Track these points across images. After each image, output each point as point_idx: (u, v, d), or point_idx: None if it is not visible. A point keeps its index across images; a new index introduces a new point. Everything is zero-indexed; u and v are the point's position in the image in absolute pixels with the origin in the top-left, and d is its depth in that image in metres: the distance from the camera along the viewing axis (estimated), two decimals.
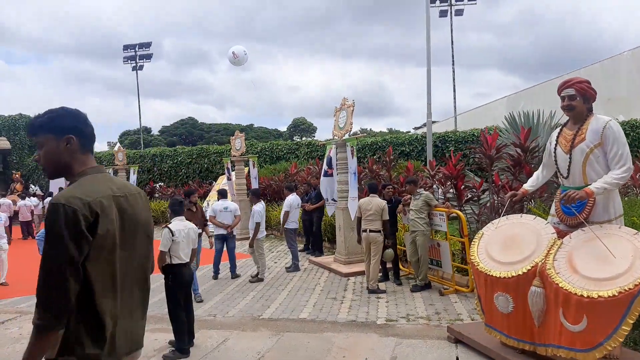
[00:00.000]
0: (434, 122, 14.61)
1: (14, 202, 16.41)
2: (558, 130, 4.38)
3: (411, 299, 6.89)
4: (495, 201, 7.79)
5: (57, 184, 21.23)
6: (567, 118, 4.28)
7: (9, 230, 10.26)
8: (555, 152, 4.29)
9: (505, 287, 4.11)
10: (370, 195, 7.59)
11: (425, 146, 15.39)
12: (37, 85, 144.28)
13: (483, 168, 9.41)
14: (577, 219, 4.04)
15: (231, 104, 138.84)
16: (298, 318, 6.21)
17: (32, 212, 16.15)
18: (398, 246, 8.19)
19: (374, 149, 16.66)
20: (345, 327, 5.74)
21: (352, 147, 8.90)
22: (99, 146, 29.96)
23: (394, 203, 7.90)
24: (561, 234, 4.14)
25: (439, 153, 15.62)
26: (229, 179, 15.36)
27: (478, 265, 4.37)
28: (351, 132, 9.21)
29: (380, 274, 7.75)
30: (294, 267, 9.12)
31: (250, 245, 8.47)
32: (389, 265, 7.92)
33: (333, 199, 9.91)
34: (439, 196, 9.22)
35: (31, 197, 17.42)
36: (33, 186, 23.32)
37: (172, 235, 5.06)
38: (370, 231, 7.36)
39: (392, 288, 7.53)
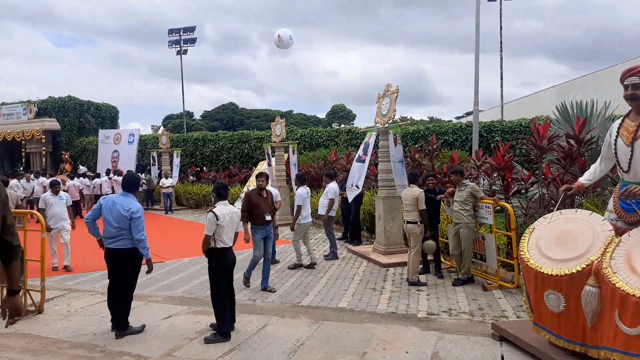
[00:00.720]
0: (479, 111, 14.14)
1: (63, 182, 17.06)
2: (619, 121, 4.11)
3: (453, 293, 6.72)
4: (545, 194, 7.47)
5: (104, 165, 22.00)
6: (630, 108, 4.00)
7: (72, 210, 9.74)
8: (615, 145, 4.03)
9: (557, 285, 3.92)
10: (410, 185, 7.44)
11: (470, 135, 14.95)
12: (84, 68, 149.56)
13: (531, 160, 9.04)
14: (637, 216, 3.81)
15: (270, 89, 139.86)
16: (337, 307, 6.17)
17: (80, 192, 16.75)
18: (440, 238, 8.00)
19: (415, 137, 16.33)
20: (385, 319, 5.65)
21: (394, 134, 8.72)
22: (143, 129, 30.77)
23: (437, 193, 7.70)
24: (619, 232, 3.91)
25: (484, 143, 15.16)
26: (269, 164, 15.44)
27: (528, 261, 4.18)
28: (393, 120, 9.03)
29: (421, 266, 7.60)
30: (332, 256, 9.08)
31: (291, 229, 8.57)
32: (429, 257, 7.75)
33: (357, 186, 9.78)
34: (485, 188, 8.93)
35: (81, 178, 18.03)
36: (82, 166, 24.22)
37: (217, 220, 5.08)
38: (408, 222, 7.23)
39: (433, 281, 7.37)
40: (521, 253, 4.33)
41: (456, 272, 7.49)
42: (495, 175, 8.33)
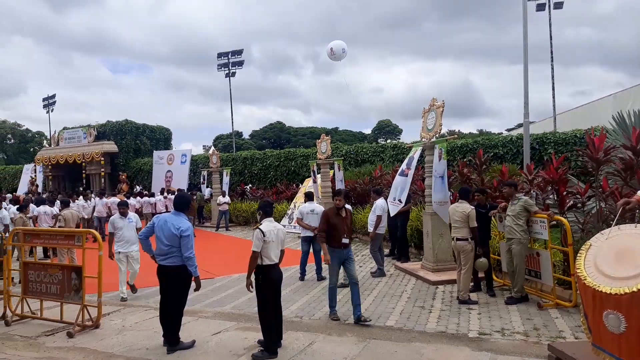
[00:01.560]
0: (530, 122, 13.70)
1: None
2: None
3: (506, 312, 6.47)
4: (603, 208, 7.11)
5: (159, 185, 22.87)
6: None
7: None
8: None
9: (617, 304, 3.69)
10: (459, 200, 7.25)
11: (521, 148, 14.49)
12: (139, 93, 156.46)
13: (588, 172, 8.67)
14: None
15: (316, 107, 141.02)
16: (384, 325, 6.08)
17: (137, 211, 17.43)
18: (491, 255, 7.75)
19: (464, 151, 15.99)
20: (434, 338, 5.51)
21: (440, 149, 8.59)
22: (195, 150, 31.80)
23: (488, 209, 7.48)
24: None
25: (536, 156, 14.63)
26: (314, 181, 15.55)
27: (585, 279, 3.97)
28: (439, 134, 8.90)
29: (472, 284, 7.37)
30: (380, 273, 8.98)
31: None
32: (481, 274, 7.51)
33: (399, 200, 9.62)
34: (538, 202, 8.61)
35: (137, 197, 18.75)
36: (138, 187, 25.27)
37: (264, 236, 5.15)
38: (457, 239, 7.04)
39: (485, 299, 7.13)
40: (577, 270, 4.12)
41: (509, 290, 7.21)
42: (548, 189, 8.02)
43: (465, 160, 13.78)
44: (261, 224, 5.30)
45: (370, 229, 9.24)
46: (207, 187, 21.45)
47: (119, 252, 7.92)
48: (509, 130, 46.77)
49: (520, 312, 6.42)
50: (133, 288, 8.26)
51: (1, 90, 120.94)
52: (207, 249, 12.98)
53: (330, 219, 6.34)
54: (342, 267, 6.44)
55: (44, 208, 11.52)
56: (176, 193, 7.03)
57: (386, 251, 10.77)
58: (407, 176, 9.58)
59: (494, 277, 7.71)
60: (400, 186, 9.65)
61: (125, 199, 11.45)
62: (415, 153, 9.54)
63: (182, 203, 5.64)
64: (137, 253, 8.02)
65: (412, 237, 10.73)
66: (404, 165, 9.93)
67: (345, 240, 6.31)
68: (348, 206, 8.65)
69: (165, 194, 18.56)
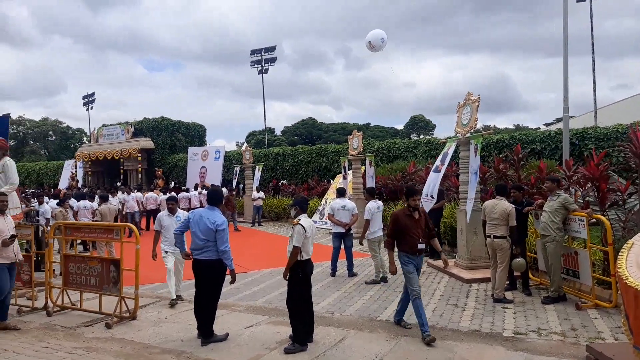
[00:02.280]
0: (570, 117, 13.27)
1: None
2: None
3: (542, 311, 6.30)
4: None
5: (193, 180, 23.30)
6: None
7: None
8: None
9: None
10: (497, 197, 7.09)
11: (560, 144, 14.05)
12: (174, 90, 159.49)
13: (630, 168, 8.34)
14: None
15: (347, 103, 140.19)
16: (416, 323, 6.00)
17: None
18: (527, 253, 7.56)
19: (500, 146, 15.62)
20: (467, 337, 5.42)
21: (476, 145, 8.42)
22: (228, 146, 32.32)
23: (524, 206, 7.28)
24: None
25: (575, 152, 14.15)
26: (344, 177, 15.51)
27: (627, 279, 3.83)
28: (475, 129, 8.72)
29: (507, 283, 7.21)
30: None
31: (360, 243, 8.57)
32: (516, 272, 7.34)
33: (431, 196, 9.48)
34: (577, 199, 8.34)
35: (172, 192, 19.14)
36: (173, 182, 25.81)
37: (305, 232, 5.22)
38: (495, 237, 6.88)
39: (521, 298, 6.97)
40: (619, 270, 3.98)
41: (546, 289, 7.02)
42: (588, 185, 7.75)
43: (501, 156, 13.46)
44: (300, 220, 5.33)
45: None
46: (240, 183, 21.70)
47: (166, 252, 7.23)
48: (546, 125, 45.48)
49: (558, 311, 6.24)
50: (179, 298, 7.22)
51: (43, 89, 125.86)
52: (240, 244, 13.15)
53: (400, 222, 5.59)
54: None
55: (84, 203, 11.92)
56: (209, 188, 7.03)
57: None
58: (439, 172, 9.43)
59: (530, 276, 7.52)
60: (433, 182, 9.52)
61: (174, 194, 11.32)
62: (449, 149, 9.38)
63: (216, 198, 5.75)
64: (179, 256, 7.00)
65: (445, 234, 10.58)
66: (438, 162, 9.78)
67: (421, 246, 5.58)
68: (378, 202, 8.63)
69: (200, 189, 18.90)
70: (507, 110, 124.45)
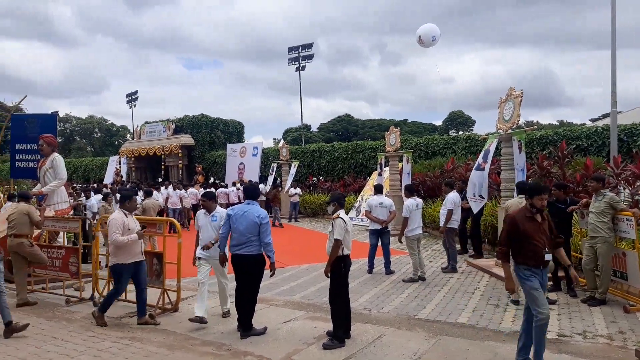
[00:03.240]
0: (618, 112, 12.71)
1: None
2: None
3: (588, 313, 6.09)
4: None
5: (232, 176, 23.70)
6: None
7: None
8: None
9: None
10: (519, 196, 6.91)
11: (607, 140, 13.47)
12: (212, 87, 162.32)
13: None
14: None
15: (383, 99, 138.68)
16: (456, 322, 5.93)
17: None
18: (572, 253, 7.30)
19: (543, 143, 15.11)
20: (509, 338, 5.29)
21: (519, 141, 8.19)
22: (265, 142, 32.62)
23: (568, 205, 7.04)
24: None
25: (624, 148, 13.53)
26: (380, 174, 15.40)
27: None
28: (517, 125, 8.48)
29: (551, 283, 6.99)
30: (451, 268, 8.75)
31: (399, 240, 8.55)
32: (561, 273, 7.11)
33: (480, 195, 9.25)
34: (625, 198, 8.00)
35: (221, 188, 19.43)
36: (212, 178, 26.33)
37: (346, 225, 5.25)
38: None
39: (565, 299, 6.75)
40: None
41: (590, 290, 6.77)
42: (638, 183, 7.42)
43: (544, 152, 13.05)
44: (340, 214, 5.35)
45: (442, 223, 9.01)
46: (276, 179, 21.86)
47: (199, 258, 6.20)
48: (592, 120, 43.74)
49: (604, 314, 6.02)
50: (226, 314, 6.31)
51: (87, 87, 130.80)
52: (277, 239, 13.23)
53: (520, 226, 4.47)
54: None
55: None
56: (244, 184, 7.08)
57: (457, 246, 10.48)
58: (483, 170, 9.21)
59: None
60: (479, 181, 9.27)
61: (212, 189, 11.18)
62: (491, 145, 9.16)
63: (256, 193, 5.94)
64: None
65: (486, 233, 10.35)
66: (480, 159, 9.55)
67: (548, 257, 4.49)
68: (417, 200, 8.51)
69: (238, 185, 19.18)
70: (550, 106, 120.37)
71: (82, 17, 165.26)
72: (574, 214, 7.25)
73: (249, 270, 5.56)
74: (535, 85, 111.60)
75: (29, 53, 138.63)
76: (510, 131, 8.41)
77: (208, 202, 6.28)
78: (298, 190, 18.70)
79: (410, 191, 8.80)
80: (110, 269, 6.39)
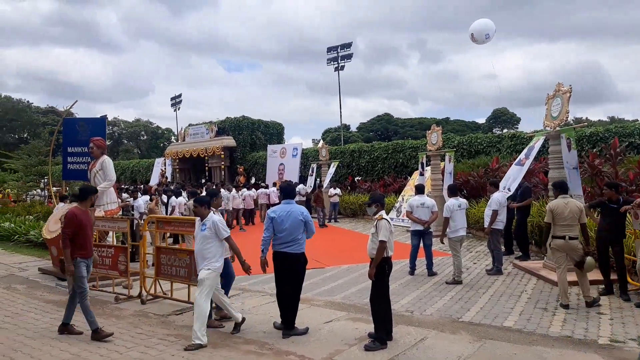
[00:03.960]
0: None
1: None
2: None
3: None
4: None
5: (272, 177, 23.95)
6: None
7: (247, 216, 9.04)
8: None
9: None
10: (561, 196, 6.63)
11: None
12: (252, 89, 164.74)
13: None
14: None
15: (423, 97, 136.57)
16: (502, 326, 5.76)
17: (254, 201, 18.38)
18: (626, 255, 6.96)
19: (593, 140, 14.49)
20: (558, 343, 5.10)
21: (568, 139, 7.88)
22: (304, 143, 32.79)
23: (620, 204, 6.71)
24: None
25: None
26: (421, 174, 15.17)
27: None
28: (566, 122, 8.17)
29: (602, 287, 6.69)
30: (496, 270, 8.51)
31: (441, 241, 8.41)
32: (613, 276, 6.79)
33: (508, 189, 8.96)
34: None
35: (252, 189, 19.72)
36: (253, 178, 26.69)
37: (390, 226, 5.24)
38: (570, 238, 6.43)
39: (618, 304, 6.44)
40: None
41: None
42: None
43: (595, 150, 12.51)
44: (383, 215, 5.32)
45: (487, 224, 8.78)
46: (316, 179, 21.91)
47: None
48: None
49: None
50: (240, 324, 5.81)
51: (133, 91, 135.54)
52: (317, 240, 13.27)
53: None
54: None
55: (180, 199, 12.68)
56: (281, 184, 7.17)
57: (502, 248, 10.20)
58: (522, 166, 8.93)
59: (629, 280, 6.93)
60: (514, 176, 9.03)
61: (203, 195, 11.10)
62: (537, 143, 8.86)
63: (292, 191, 6.11)
64: (207, 272, 5.48)
65: (533, 234, 10.01)
66: (522, 155, 9.27)
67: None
68: (459, 200, 8.33)
69: (278, 185, 19.37)
70: (600, 101, 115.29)
71: (126, 23, 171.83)
72: (627, 214, 6.90)
73: (294, 269, 5.66)
74: (582, 81, 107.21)
75: (77, 59, 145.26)
76: (558, 128, 8.11)
77: (199, 208, 5.71)
78: (338, 190, 18.70)
79: (453, 191, 8.62)
80: None
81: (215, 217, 5.77)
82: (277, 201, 17.62)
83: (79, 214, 5.68)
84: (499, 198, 8.70)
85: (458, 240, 8.14)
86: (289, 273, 5.66)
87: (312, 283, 8.24)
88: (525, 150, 9.27)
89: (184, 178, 32.30)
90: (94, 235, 8.39)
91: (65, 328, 5.72)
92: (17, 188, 25.12)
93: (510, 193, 9.02)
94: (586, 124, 17.94)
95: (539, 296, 7.00)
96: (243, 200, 17.32)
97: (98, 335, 5.47)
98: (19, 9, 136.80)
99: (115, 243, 8.75)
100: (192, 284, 6.79)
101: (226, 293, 6.08)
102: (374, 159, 22.23)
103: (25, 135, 58.03)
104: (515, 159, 13.43)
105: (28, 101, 62.68)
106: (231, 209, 16.37)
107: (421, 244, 8.75)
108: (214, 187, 18.07)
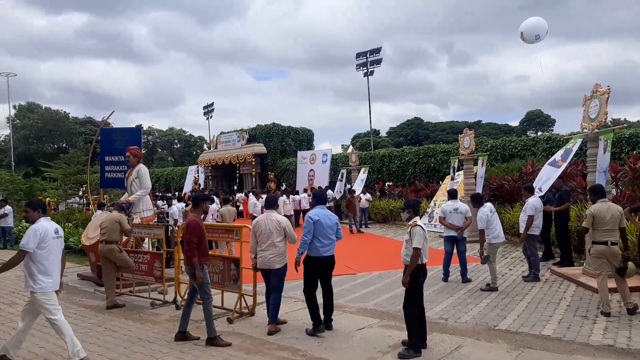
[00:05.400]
0: None
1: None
2: None
3: None
4: None
5: (302, 183, 24.05)
6: None
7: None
8: None
9: None
10: (601, 200, 6.39)
11: None
12: (280, 97, 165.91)
13: None
14: None
15: (453, 101, 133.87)
16: (540, 334, 5.60)
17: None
18: None
19: (633, 142, 13.95)
20: (600, 352, 4.92)
21: (606, 141, 7.63)
22: (334, 149, 32.81)
23: None
24: None
25: None
26: (452, 178, 14.93)
27: None
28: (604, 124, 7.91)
29: None
30: (533, 277, 8.28)
31: (480, 255, 8.01)
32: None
33: (539, 189, 8.68)
34: None
35: (283, 195, 19.84)
36: (284, 185, 26.87)
37: (424, 233, 5.18)
38: (612, 244, 6.19)
39: None
40: None
41: None
42: None
43: (636, 152, 12.05)
44: (417, 222, 5.26)
45: (522, 230, 8.55)
46: (345, 185, 21.85)
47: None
48: None
49: None
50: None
51: (164, 101, 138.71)
52: (347, 246, 13.26)
53: None
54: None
55: (212, 206, 12.87)
56: (314, 190, 7.30)
57: (539, 253, 9.92)
58: (559, 167, 8.66)
59: None
60: (547, 175, 8.77)
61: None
62: (574, 145, 8.60)
63: (325, 198, 6.42)
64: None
65: (571, 240, 9.70)
66: (557, 156, 8.98)
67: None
68: (489, 204, 8.14)
69: (309, 191, 19.41)
70: (638, 102, 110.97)
71: (156, 34, 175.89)
72: None
73: (329, 270, 5.99)
74: (619, 80, 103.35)
75: (110, 70, 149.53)
76: (596, 130, 7.86)
77: (31, 212, 5.01)
78: (368, 195, 18.59)
79: (479, 201, 8.35)
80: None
81: (42, 225, 4.92)
82: (309, 207, 17.67)
83: (200, 222, 5.87)
84: (534, 203, 8.47)
85: (499, 246, 7.97)
86: (324, 275, 5.96)
87: (344, 289, 8.21)
88: (561, 152, 9.00)
89: (216, 185, 32.78)
90: (131, 242, 8.63)
91: (183, 335, 5.72)
92: (57, 196, 26.00)
93: (542, 193, 8.79)
94: (625, 125, 17.35)
95: (578, 303, 6.78)
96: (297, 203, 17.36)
97: (215, 342, 5.51)
98: (54, 24, 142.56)
99: (150, 249, 8.94)
100: (226, 290, 6.88)
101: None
102: (404, 164, 22.04)
103: (63, 145, 60.04)
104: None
105: (65, 111, 64.83)
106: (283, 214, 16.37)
107: (455, 250, 8.60)
108: (272, 193, 18.28)
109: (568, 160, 8.68)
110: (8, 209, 15.03)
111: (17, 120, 58.63)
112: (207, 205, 6.61)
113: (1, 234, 15.35)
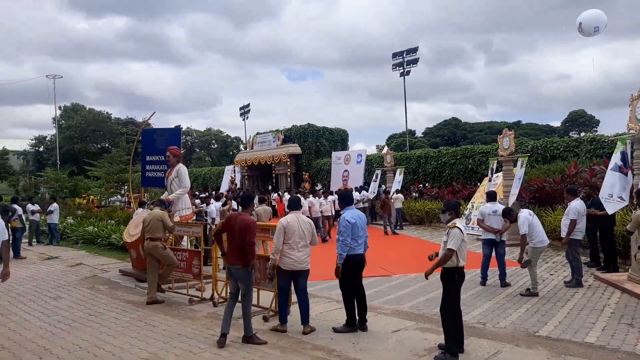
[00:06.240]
0: None
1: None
2: None
3: None
4: None
5: (337, 184, 24.05)
6: None
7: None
8: None
9: None
10: None
11: None
12: (314, 97, 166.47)
13: None
14: None
15: (491, 100, 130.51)
16: (583, 342, 5.41)
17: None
18: None
19: None
20: None
21: None
22: (368, 149, 32.67)
23: None
24: None
25: None
26: (490, 180, 14.60)
27: None
28: None
29: None
30: (576, 283, 8.01)
31: (519, 260, 7.69)
32: None
33: (620, 197, 8.26)
34: None
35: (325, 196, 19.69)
36: (319, 185, 26.94)
37: (463, 235, 5.08)
38: None
39: None
40: None
41: None
42: None
43: None
44: (456, 223, 5.18)
45: (564, 234, 8.28)
46: (380, 186, 21.67)
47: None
48: None
49: None
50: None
51: (201, 102, 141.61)
52: (382, 247, 13.19)
53: None
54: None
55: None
56: (340, 191, 7.39)
57: (584, 258, 9.58)
58: (626, 175, 8.23)
59: None
60: (620, 183, 8.27)
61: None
62: (626, 147, 8.24)
63: (351, 199, 6.56)
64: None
65: (616, 244, 9.33)
66: (618, 161, 8.49)
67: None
68: (525, 211, 7.91)
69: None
70: None
71: (193, 37, 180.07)
72: None
73: (362, 268, 6.13)
74: None
75: (149, 72, 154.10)
76: None
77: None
78: (400, 195, 18.36)
79: (574, 194, 8.24)
80: None
81: None
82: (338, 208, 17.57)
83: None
84: (577, 206, 8.18)
85: (542, 250, 7.75)
86: (358, 273, 6.07)
87: (378, 291, 8.16)
88: (619, 157, 8.48)
89: (252, 185, 33.19)
90: (171, 240, 8.84)
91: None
92: (100, 194, 26.93)
93: (625, 202, 8.35)
94: None
95: (623, 311, 6.52)
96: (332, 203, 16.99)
97: (251, 340, 5.58)
98: (95, 27, 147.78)
99: (189, 247, 9.13)
100: (262, 288, 6.95)
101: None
102: (441, 165, 21.72)
103: (106, 145, 62.19)
104: (595, 164, 12.63)
105: (107, 112, 67.08)
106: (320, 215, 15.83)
107: (493, 253, 8.42)
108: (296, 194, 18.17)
109: (629, 164, 8.25)
110: (54, 206, 15.65)
111: (62, 121, 61.00)
112: (254, 205, 6.87)
113: (47, 230, 16.00)
